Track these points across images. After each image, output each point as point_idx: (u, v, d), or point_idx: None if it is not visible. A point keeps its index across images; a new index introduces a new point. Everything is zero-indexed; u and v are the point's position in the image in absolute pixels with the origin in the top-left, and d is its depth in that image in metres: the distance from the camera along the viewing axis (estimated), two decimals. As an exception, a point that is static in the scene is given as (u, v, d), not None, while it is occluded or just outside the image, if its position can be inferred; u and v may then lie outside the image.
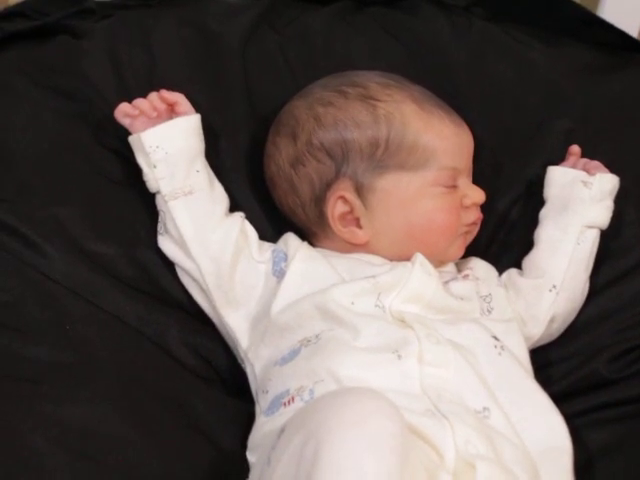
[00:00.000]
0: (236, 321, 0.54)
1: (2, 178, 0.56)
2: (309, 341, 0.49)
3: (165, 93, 0.56)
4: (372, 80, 0.57)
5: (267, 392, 0.48)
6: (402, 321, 0.50)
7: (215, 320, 0.56)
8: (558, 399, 0.50)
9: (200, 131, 0.57)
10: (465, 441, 0.42)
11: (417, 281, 0.52)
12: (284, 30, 0.68)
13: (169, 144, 0.54)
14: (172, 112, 0.57)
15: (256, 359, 0.52)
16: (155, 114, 0.56)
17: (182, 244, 0.54)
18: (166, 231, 0.55)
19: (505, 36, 0.69)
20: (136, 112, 0.55)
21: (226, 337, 0.56)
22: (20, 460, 0.43)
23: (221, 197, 0.56)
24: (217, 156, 0.60)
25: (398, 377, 0.46)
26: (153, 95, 0.56)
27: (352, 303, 0.50)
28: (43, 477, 0.43)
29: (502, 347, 0.49)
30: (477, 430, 0.43)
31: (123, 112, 0.56)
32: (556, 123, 0.65)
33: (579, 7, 0.71)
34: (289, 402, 0.46)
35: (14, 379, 0.47)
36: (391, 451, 0.36)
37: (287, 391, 0.46)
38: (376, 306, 0.50)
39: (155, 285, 0.57)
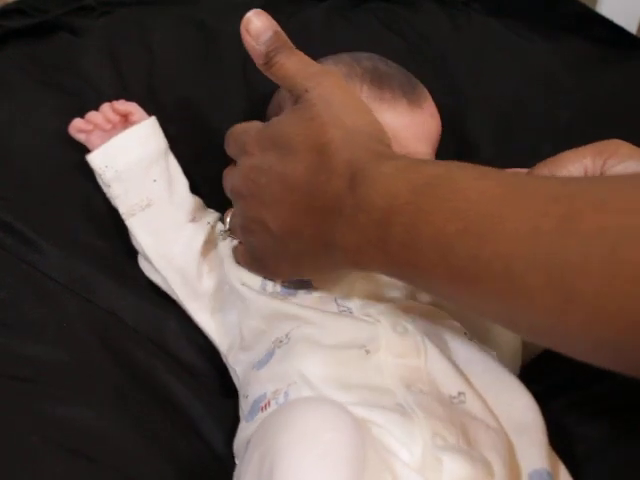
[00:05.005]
0: (212, 326, 0.53)
1: (-1, 174, 0.56)
2: (281, 341, 0.48)
3: (117, 104, 0.55)
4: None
5: (247, 397, 0.47)
6: (368, 316, 0.48)
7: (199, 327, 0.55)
8: (555, 391, 0.50)
9: (155, 134, 0.55)
10: (433, 434, 0.40)
11: (359, 276, 0.50)
12: (283, 26, 0.68)
13: (118, 161, 0.53)
14: (126, 122, 0.55)
15: (236, 363, 0.51)
16: (110, 126, 0.55)
17: (147, 259, 0.53)
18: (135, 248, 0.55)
19: (505, 30, 0.70)
20: (90, 127, 0.55)
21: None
22: (17, 460, 0.43)
23: (183, 201, 0.55)
24: (216, 154, 0.60)
25: (368, 373, 0.44)
26: (105, 107, 0.55)
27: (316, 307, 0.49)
28: (40, 477, 0.42)
29: (472, 331, 0.49)
30: (447, 420, 0.42)
31: (77, 128, 0.55)
32: (557, 116, 0.65)
33: (578, 3, 0.72)
34: (266, 407, 0.44)
35: (12, 378, 0.47)
36: (343, 463, 0.35)
37: (264, 395, 0.45)
38: (340, 311, 0.49)
39: (152, 281, 0.56)
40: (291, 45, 0.46)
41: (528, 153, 0.64)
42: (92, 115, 0.55)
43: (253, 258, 0.49)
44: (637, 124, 0.66)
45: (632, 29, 0.74)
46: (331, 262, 0.42)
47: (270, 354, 0.48)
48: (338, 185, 0.38)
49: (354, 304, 0.49)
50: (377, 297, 0.50)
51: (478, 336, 0.49)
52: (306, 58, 0.46)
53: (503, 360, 0.49)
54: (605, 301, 0.27)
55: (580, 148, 0.44)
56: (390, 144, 0.41)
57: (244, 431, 0.46)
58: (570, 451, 0.48)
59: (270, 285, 0.51)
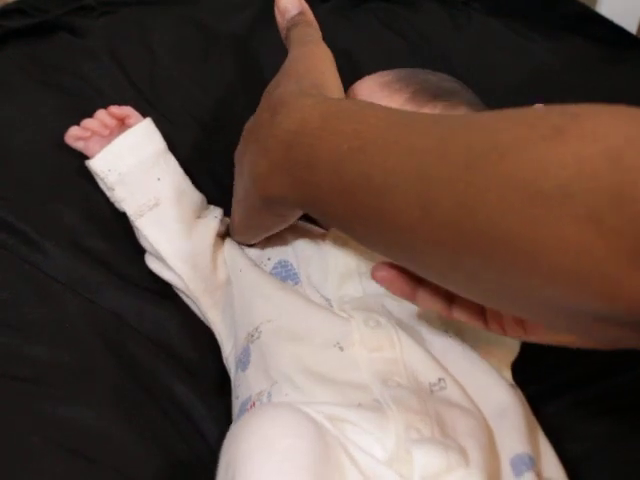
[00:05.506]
0: (221, 325, 0.53)
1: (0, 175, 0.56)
2: (252, 336, 0.48)
3: (114, 108, 0.55)
4: None
5: (237, 399, 0.47)
6: (342, 311, 0.48)
7: (209, 326, 0.54)
8: (556, 390, 0.50)
9: (153, 134, 0.55)
10: (407, 427, 0.40)
11: (334, 259, 0.51)
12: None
13: (120, 164, 0.53)
14: (123, 126, 0.55)
15: (233, 365, 0.51)
16: (107, 132, 0.55)
17: (160, 258, 0.53)
18: (145, 248, 0.54)
19: (505, 29, 0.70)
20: (87, 134, 0.54)
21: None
22: (17, 460, 0.43)
23: (190, 197, 0.55)
24: (216, 153, 0.60)
25: (345, 369, 0.44)
26: (101, 113, 0.55)
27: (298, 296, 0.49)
28: (40, 477, 0.42)
29: (447, 324, 0.48)
30: (423, 412, 0.41)
31: (74, 136, 0.55)
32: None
33: (578, 3, 0.72)
34: (250, 408, 0.44)
35: (13, 378, 0.47)
36: (303, 469, 0.35)
37: (250, 397, 0.45)
38: (321, 301, 0.49)
39: (154, 281, 0.56)
40: (310, 21, 0.50)
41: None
42: (88, 122, 0.55)
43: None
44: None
45: (632, 29, 0.74)
46: (246, 195, 0.44)
47: (246, 351, 0.48)
48: (264, 117, 0.41)
49: (333, 295, 0.49)
50: (354, 281, 0.50)
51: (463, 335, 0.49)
52: (309, 30, 0.49)
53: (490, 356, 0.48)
54: (461, 213, 0.28)
55: None
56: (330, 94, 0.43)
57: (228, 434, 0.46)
58: (570, 450, 0.48)
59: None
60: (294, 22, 0.50)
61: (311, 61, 0.46)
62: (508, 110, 0.30)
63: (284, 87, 0.42)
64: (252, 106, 0.63)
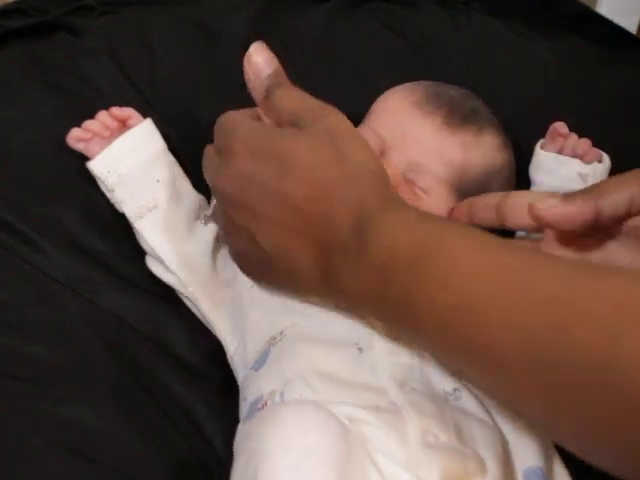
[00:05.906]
0: (223, 325, 0.53)
1: None
2: (275, 339, 0.48)
3: (115, 110, 0.55)
4: None
5: (246, 399, 0.47)
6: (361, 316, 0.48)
7: (209, 327, 0.54)
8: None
9: (153, 135, 0.55)
10: (424, 432, 0.40)
11: None
12: (284, 27, 0.68)
13: (120, 166, 0.53)
14: (124, 127, 0.55)
15: (239, 365, 0.51)
16: (108, 133, 0.55)
17: (159, 260, 0.53)
18: (145, 250, 0.54)
19: (505, 29, 0.70)
20: (89, 135, 0.54)
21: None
22: (17, 460, 0.43)
23: (189, 199, 0.55)
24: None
25: (362, 371, 0.44)
26: (102, 114, 0.55)
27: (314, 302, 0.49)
28: (40, 477, 0.42)
29: None
30: (439, 418, 0.42)
31: (76, 138, 0.55)
32: (557, 115, 0.65)
33: (578, 3, 0.72)
34: (262, 407, 0.44)
35: (13, 378, 0.47)
36: (326, 465, 0.35)
37: (261, 396, 0.45)
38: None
39: (155, 282, 0.56)
40: (289, 82, 0.45)
41: (528, 153, 0.64)
42: (90, 123, 0.55)
43: (234, 254, 0.48)
44: (637, 124, 0.66)
45: (632, 29, 0.74)
46: (324, 293, 0.42)
47: (265, 354, 0.48)
48: (344, 224, 0.38)
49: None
50: None
51: None
52: (304, 92, 0.45)
53: None
54: (601, 425, 0.28)
55: (623, 175, 0.43)
56: (390, 183, 0.41)
57: (241, 433, 0.46)
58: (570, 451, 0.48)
59: None
60: (275, 82, 0.44)
61: (352, 137, 0.41)
62: (623, 284, 0.29)
63: (352, 185, 0.38)
64: (253, 105, 0.63)
